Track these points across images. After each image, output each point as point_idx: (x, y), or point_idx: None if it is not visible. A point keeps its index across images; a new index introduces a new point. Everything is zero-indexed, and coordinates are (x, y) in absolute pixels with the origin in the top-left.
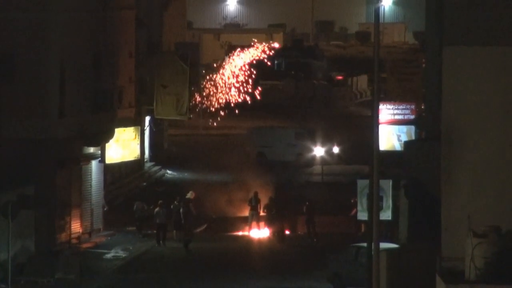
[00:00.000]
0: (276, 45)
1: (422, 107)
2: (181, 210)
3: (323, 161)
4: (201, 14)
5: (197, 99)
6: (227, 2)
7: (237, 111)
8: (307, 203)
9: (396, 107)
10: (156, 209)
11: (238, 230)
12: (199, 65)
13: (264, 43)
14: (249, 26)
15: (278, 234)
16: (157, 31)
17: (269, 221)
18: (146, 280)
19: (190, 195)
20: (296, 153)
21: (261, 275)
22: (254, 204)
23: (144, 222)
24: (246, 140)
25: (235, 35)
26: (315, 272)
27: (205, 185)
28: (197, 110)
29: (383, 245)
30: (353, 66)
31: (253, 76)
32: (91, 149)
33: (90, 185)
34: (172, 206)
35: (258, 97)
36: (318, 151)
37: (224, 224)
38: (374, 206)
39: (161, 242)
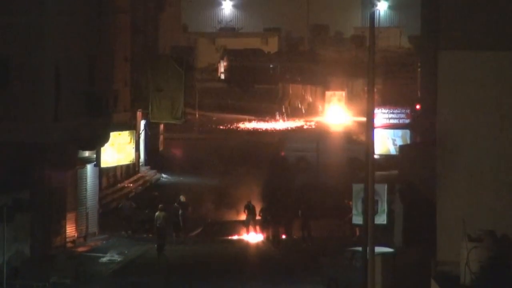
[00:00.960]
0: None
1: (417, 107)
2: (180, 212)
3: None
4: (196, 18)
5: None
6: (223, 6)
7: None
8: (302, 206)
9: (391, 112)
10: (157, 213)
11: (233, 234)
12: (194, 69)
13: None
14: (244, 30)
15: (273, 238)
16: (153, 35)
17: (265, 225)
18: (142, 284)
19: (182, 198)
20: (349, 156)
21: (257, 279)
22: (251, 209)
23: (129, 221)
24: (280, 144)
25: (230, 39)
26: (311, 276)
27: (200, 189)
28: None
29: (378, 249)
30: (348, 70)
31: None
32: (86, 153)
33: (85, 189)
34: (173, 209)
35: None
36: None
37: (219, 227)
38: (369, 210)
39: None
